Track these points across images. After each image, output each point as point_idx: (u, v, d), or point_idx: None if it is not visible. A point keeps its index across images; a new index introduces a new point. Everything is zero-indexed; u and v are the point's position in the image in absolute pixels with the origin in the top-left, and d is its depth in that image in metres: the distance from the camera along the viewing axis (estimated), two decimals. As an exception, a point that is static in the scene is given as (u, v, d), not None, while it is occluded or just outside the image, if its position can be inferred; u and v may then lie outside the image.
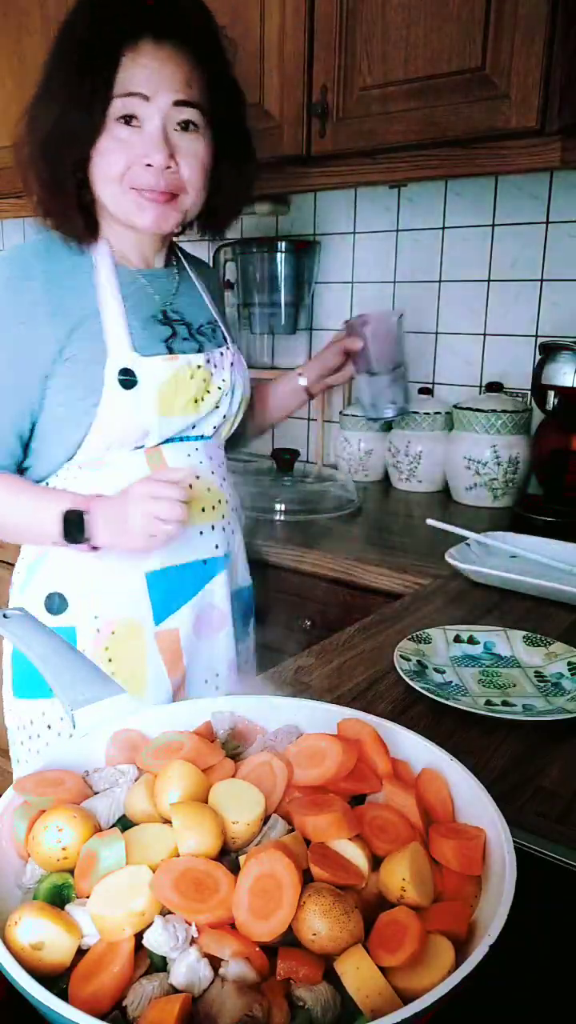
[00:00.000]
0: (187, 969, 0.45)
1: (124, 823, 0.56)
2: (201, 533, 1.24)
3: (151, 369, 1.15)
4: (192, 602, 1.24)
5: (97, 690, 0.67)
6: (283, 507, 1.72)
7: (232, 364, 1.27)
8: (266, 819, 0.55)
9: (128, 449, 1.16)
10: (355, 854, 0.52)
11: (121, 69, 1.06)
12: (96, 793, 0.58)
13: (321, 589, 1.52)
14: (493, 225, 1.89)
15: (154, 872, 0.48)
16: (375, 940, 0.46)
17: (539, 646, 1.03)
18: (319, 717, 0.65)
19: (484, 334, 1.95)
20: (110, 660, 1.20)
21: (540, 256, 1.84)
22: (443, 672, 0.97)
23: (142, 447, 1.17)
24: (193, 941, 0.46)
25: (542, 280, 1.84)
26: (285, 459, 1.91)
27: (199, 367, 1.21)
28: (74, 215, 1.14)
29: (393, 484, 2.00)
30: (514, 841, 0.51)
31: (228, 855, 0.53)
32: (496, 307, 1.92)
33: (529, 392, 1.81)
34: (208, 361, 1.22)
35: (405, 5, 1.47)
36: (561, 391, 1.64)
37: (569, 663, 0.99)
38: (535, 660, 1.01)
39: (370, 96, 1.54)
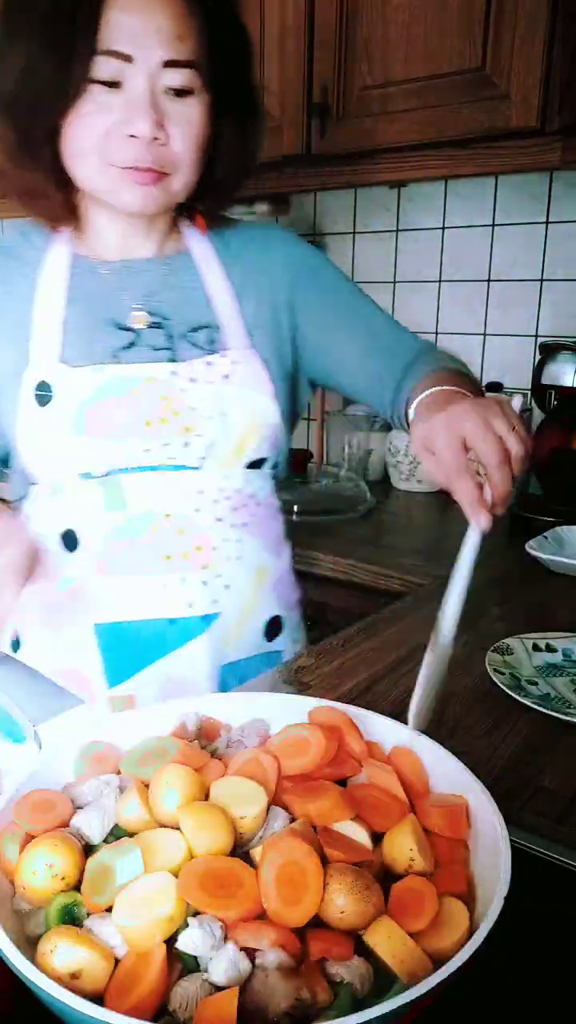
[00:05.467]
0: (228, 964, 0.45)
1: (117, 833, 0.55)
2: (164, 587, 0.98)
3: (73, 382, 0.94)
4: (155, 667, 0.99)
5: (58, 704, 0.66)
6: (297, 508, 1.73)
7: (228, 377, 0.98)
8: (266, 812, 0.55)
9: (73, 475, 0.96)
10: (358, 832, 0.54)
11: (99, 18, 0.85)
12: (80, 807, 0.58)
13: (321, 589, 1.52)
14: (493, 225, 1.89)
15: (176, 876, 0.49)
16: (395, 909, 0.49)
17: None
18: (288, 709, 0.66)
19: (484, 334, 1.95)
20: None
21: (540, 256, 1.84)
22: (536, 684, 0.97)
23: (91, 475, 0.96)
24: (226, 938, 0.47)
25: (542, 280, 1.84)
26: (299, 460, 1.92)
27: (150, 380, 0.95)
28: (51, 192, 0.95)
29: (393, 484, 2.00)
30: (513, 841, 0.51)
31: (237, 850, 0.53)
32: (496, 307, 1.92)
33: (529, 392, 1.81)
34: (175, 374, 0.96)
35: (405, 5, 1.47)
36: (561, 391, 1.64)
37: None
38: None
39: (370, 96, 1.54)
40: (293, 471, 1.92)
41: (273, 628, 1.08)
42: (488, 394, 1.77)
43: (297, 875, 0.48)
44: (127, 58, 0.85)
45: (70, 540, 0.98)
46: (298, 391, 1.10)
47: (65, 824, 0.56)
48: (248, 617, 1.04)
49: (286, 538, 1.12)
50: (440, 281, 1.99)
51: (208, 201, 1.02)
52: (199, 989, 0.44)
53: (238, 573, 1.02)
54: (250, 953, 0.46)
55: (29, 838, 0.54)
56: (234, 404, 0.98)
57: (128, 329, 0.98)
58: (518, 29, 1.34)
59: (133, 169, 0.89)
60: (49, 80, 0.86)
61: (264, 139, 1.01)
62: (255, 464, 1.03)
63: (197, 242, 1.04)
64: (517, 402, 0.73)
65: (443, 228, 1.96)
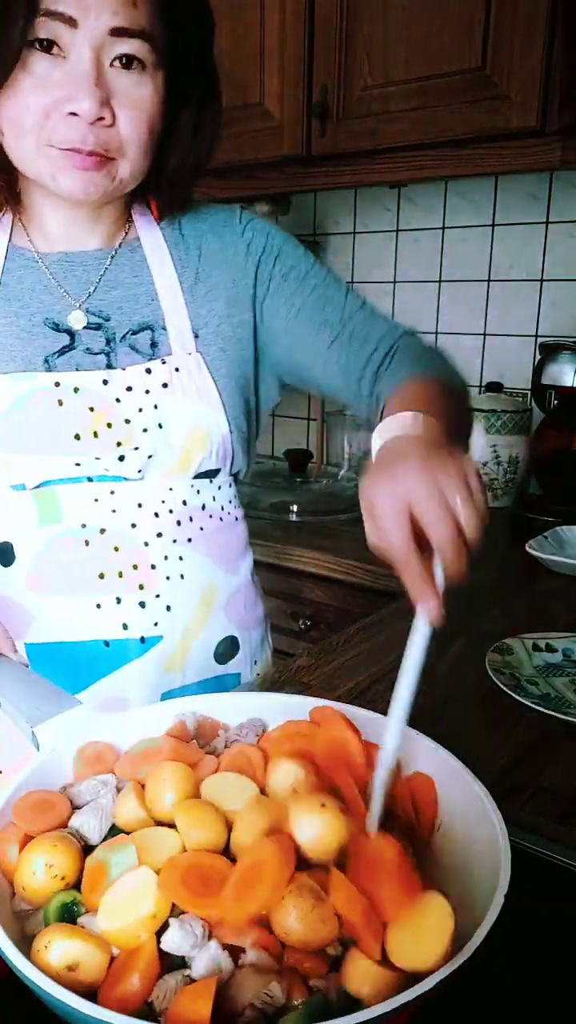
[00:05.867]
0: (209, 961, 0.45)
1: (116, 833, 0.55)
2: (98, 606, 0.89)
3: None
4: (88, 692, 0.90)
5: (55, 704, 0.66)
6: (297, 508, 1.73)
7: (167, 385, 0.88)
8: None
9: (4, 487, 0.88)
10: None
11: None
12: (77, 807, 0.58)
13: (321, 589, 1.53)
14: (493, 225, 1.89)
15: (158, 873, 0.49)
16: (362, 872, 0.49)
17: None
18: (287, 709, 0.66)
19: (484, 334, 1.95)
20: None
21: (540, 256, 1.84)
22: (536, 684, 0.97)
23: (23, 487, 0.87)
24: (211, 935, 0.47)
25: (542, 280, 1.84)
26: (298, 460, 1.92)
27: (76, 390, 0.86)
28: None
29: (393, 484, 2.00)
30: (513, 841, 0.51)
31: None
32: (496, 307, 1.92)
33: (529, 392, 1.81)
34: (107, 383, 0.87)
35: (405, 5, 1.47)
36: (561, 391, 1.64)
37: None
38: None
39: (370, 96, 1.54)
40: (293, 471, 1.92)
41: (227, 650, 0.98)
42: (488, 394, 1.79)
43: (254, 878, 0.47)
44: (71, 22, 0.74)
45: (5, 554, 0.89)
46: (260, 391, 0.99)
47: (64, 824, 0.56)
48: (194, 640, 0.94)
49: (246, 549, 1.02)
50: (440, 281, 1.99)
51: (160, 193, 0.92)
52: (179, 983, 0.45)
53: (181, 593, 0.92)
54: (235, 952, 0.46)
55: (28, 838, 0.54)
56: (174, 415, 0.89)
57: (64, 330, 0.89)
58: (518, 29, 1.34)
59: (74, 151, 0.79)
60: None
61: (221, 130, 0.90)
62: (206, 475, 0.94)
63: (148, 232, 0.93)
64: (478, 451, 0.62)
65: (443, 228, 1.96)
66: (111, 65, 0.77)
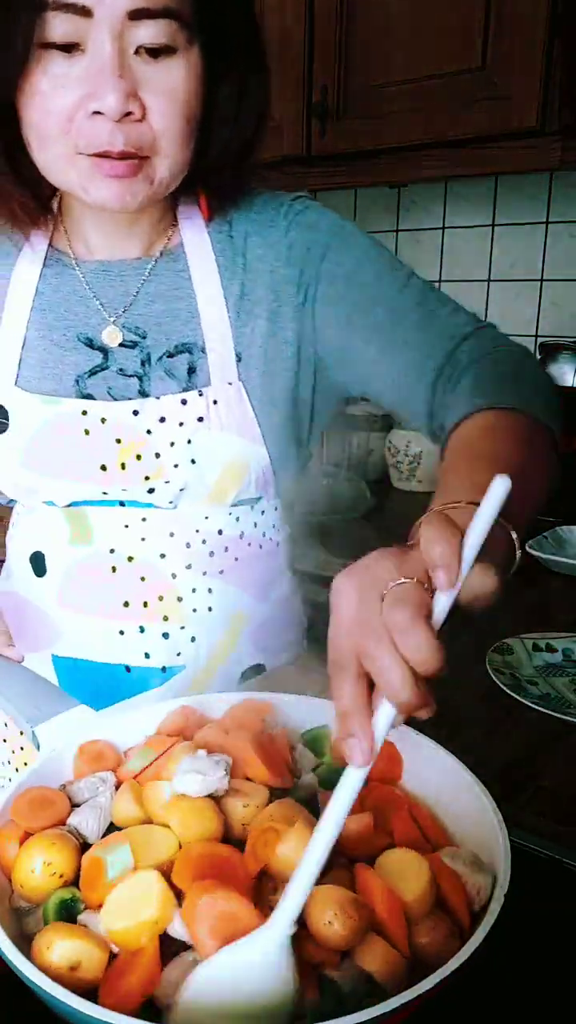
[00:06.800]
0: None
1: (113, 831, 0.55)
2: (121, 633, 0.86)
3: (27, 411, 0.82)
4: (107, 712, 0.86)
5: (54, 704, 0.66)
6: (296, 507, 1.72)
7: (203, 420, 0.80)
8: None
9: (36, 501, 0.86)
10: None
11: None
12: (77, 805, 0.58)
13: (320, 589, 1.52)
14: (493, 225, 1.89)
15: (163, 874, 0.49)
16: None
17: None
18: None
19: (484, 334, 1.95)
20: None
21: (540, 256, 1.84)
22: (536, 684, 0.97)
23: (54, 503, 0.85)
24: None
25: (542, 280, 1.84)
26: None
27: (104, 421, 0.80)
28: (9, 187, 0.78)
29: (393, 484, 2.00)
30: (513, 841, 0.51)
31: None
32: (496, 307, 1.92)
33: (529, 392, 1.81)
34: (138, 413, 0.80)
35: (405, 5, 1.47)
36: (561, 391, 1.64)
37: None
38: None
39: (370, 96, 1.54)
40: (293, 471, 1.92)
41: (252, 676, 0.93)
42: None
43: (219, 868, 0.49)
44: (84, 11, 0.66)
45: (38, 564, 0.89)
46: (316, 409, 0.89)
47: (62, 822, 0.56)
48: (218, 668, 0.89)
49: (284, 572, 0.95)
50: (440, 281, 1.99)
51: (208, 183, 0.81)
52: (184, 970, 0.45)
53: (207, 624, 0.88)
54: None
55: (27, 835, 0.54)
56: (208, 451, 0.81)
57: (98, 347, 0.83)
58: (518, 29, 1.34)
59: (104, 157, 0.70)
60: None
61: (269, 104, 0.80)
62: (246, 502, 0.87)
63: (194, 236, 0.84)
64: (475, 536, 0.46)
65: (443, 228, 1.96)
66: (135, 53, 0.68)
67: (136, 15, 0.66)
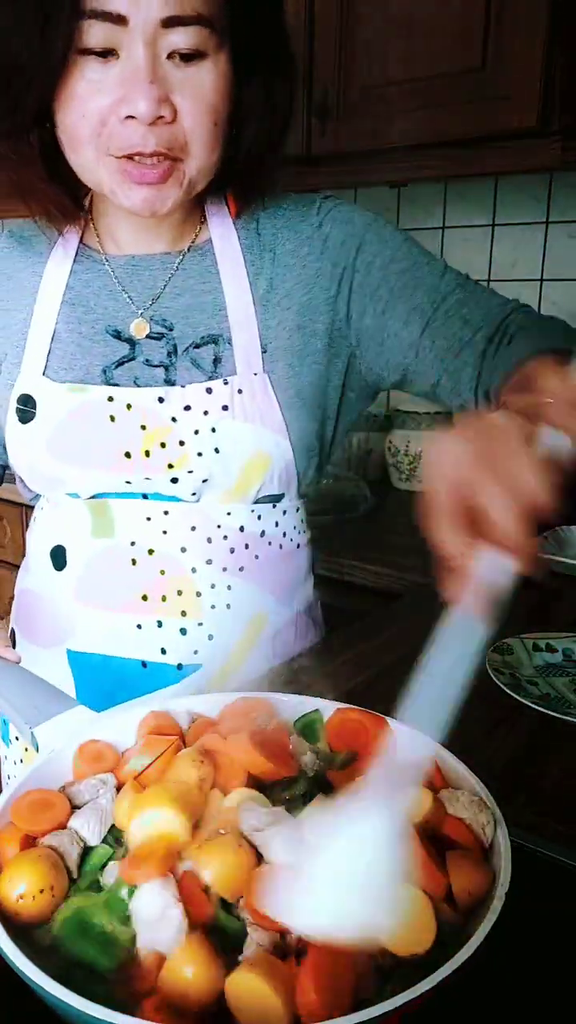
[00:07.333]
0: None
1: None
2: (139, 627, 0.87)
3: (54, 400, 0.84)
4: (124, 707, 0.86)
5: (53, 705, 0.66)
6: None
7: (228, 408, 0.82)
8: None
9: (60, 494, 0.88)
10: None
11: None
12: (76, 807, 0.57)
13: (321, 589, 1.52)
14: (493, 225, 1.89)
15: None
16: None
17: None
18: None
19: (484, 334, 1.95)
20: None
21: (540, 256, 1.84)
22: (536, 684, 0.97)
23: (77, 495, 0.87)
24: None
25: (542, 280, 1.84)
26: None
27: (129, 407, 0.82)
28: (43, 188, 0.81)
29: (393, 484, 2.00)
30: (513, 841, 0.51)
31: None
32: (496, 307, 1.92)
33: (529, 392, 1.81)
34: (163, 401, 0.82)
35: (405, 5, 1.47)
36: (561, 391, 1.64)
37: None
38: None
39: (370, 96, 1.55)
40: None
41: None
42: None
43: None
44: (120, 20, 0.69)
45: (59, 557, 0.89)
46: (344, 404, 0.90)
47: (63, 825, 0.55)
48: (235, 671, 0.89)
49: (307, 576, 0.96)
50: (440, 281, 1.99)
51: (237, 183, 0.84)
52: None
53: (226, 623, 0.88)
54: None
55: (27, 838, 0.54)
56: (232, 440, 0.82)
57: (126, 339, 0.85)
58: (518, 29, 1.34)
59: (135, 162, 0.73)
60: (27, 52, 0.71)
61: (295, 104, 0.83)
62: (269, 499, 0.88)
63: (222, 233, 0.86)
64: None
65: (443, 228, 1.96)
66: (168, 58, 0.71)
67: (169, 22, 0.69)
